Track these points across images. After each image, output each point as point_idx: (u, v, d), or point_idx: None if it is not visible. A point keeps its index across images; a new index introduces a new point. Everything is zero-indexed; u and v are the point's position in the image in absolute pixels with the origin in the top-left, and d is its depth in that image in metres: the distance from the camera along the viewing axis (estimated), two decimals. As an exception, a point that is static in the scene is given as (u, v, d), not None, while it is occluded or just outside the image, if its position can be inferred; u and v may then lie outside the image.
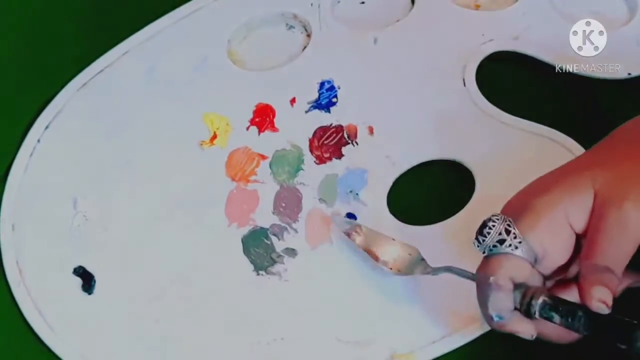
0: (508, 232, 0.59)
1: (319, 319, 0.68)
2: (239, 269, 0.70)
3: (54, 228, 0.72)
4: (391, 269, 0.66)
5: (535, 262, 0.59)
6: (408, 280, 0.67)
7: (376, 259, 0.67)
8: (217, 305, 0.69)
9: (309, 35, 0.78)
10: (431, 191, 0.72)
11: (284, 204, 0.72)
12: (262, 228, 0.71)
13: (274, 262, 0.70)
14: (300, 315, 0.68)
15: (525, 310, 0.59)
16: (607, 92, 0.74)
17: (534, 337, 0.60)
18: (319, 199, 0.72)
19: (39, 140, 0.75)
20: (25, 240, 0.72)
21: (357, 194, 0.71)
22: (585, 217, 0.59)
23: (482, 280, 0.60)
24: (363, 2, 0.79)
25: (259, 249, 0.70)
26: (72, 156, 0.74)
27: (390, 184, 0.72)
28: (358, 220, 0.70)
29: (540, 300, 0.58)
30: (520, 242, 0.58)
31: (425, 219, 0.70)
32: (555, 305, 0.58)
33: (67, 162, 0.74)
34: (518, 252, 0.58)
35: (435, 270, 0.65)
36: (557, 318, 0.58)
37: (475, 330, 0.65)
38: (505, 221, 0.59)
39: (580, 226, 0.59)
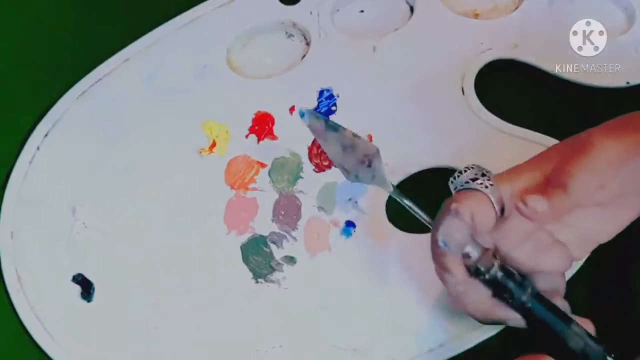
0: (483, 175, 0.61)
1: (318, 326, 0.68)
2: (238, 276, 0.70)
3: (53, 235, 0.72)
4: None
5: (501, 214, 0.60)
6: (407, 289, 0.68)
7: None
8: (216, 313, 0.69)
9: (308, 44, 0.78)
10: (430, 199, 0.72)
11: (283, 212, 0.72)
12: (261, 236, 0.71)
13: (273, 270, 0.70)
14: (299, 323, 0.68)
15: (477, 269, 0.60)
16: (606, 101, 0.74)
17: (458, 290, 0.60)
18: (318, 207, 0.72)
19: (38, 148, 0.75)
20: (24, 247, 0.72)
21: (356, 202, 0.71)
22: None
23: (444, 207, 0.61)
24: (362, 11, 0.79)
25: (258, 257, 0.70)
26: (71, 164, 0.75)
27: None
28: (358, 228, 0.70)
29: (497, 263, 0.60)
30: (492, 185, 0.60)
31: (424, 226, 0.70)
32: (511, 273, 0.60)
33: (66, 169, 0.74)
34: (487, 192, 0.60)
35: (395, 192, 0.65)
36: (510, 283, 0.60)
37: (472, 338, 0.66)
38: (483, 169, 0.61)
39: None
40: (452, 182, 0.62)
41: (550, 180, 0.61)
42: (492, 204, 0.60)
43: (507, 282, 0.60)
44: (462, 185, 0.61)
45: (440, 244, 0.59)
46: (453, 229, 0.59)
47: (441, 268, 0.61)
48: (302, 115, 0.63)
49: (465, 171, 0.62)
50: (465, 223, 0.59)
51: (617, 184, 0.60)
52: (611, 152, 0.60)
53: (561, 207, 0.60)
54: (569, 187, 0.59)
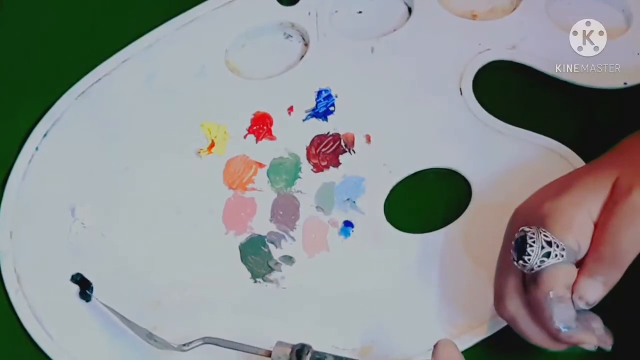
0: (549, 243, 0.58)
1: (317, 326, 0.68)
2: (236, 276, 0.70)
3: (52, 235, 0.72)
4: None
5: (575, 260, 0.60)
6: (405, 289, 0.68)
7: None
8: (215, 313, 0.69)
9: (306, 44, 0.78)
10: (428, 199, 0.72)
11: (281, 212, 0.72)
12: (259, 236, 0.71)
13: (271, 269, 0.70)
14: (297, 322, 0.68)
15: None
16: (603, 101, 0.74)
17: (596, 347, 0.60)
18: (316, 207, 0.72)
19: (37, 148, 0.75)
20: (23, 247, 0.72)
21: (354, 202, 0.72)
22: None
23: (540, 298, 0.59)
24: (360, 12, 0.80)
25: (257, 257, 0.70)
26: (70, 164, 0.75)
27: (388, 192, 0.72)
28: (356, 228, 0.71)
29: None
30: (563, 250, 0.58)
31: (422, 227, 0.70)
32: None
33: (65, 169, 0.74)
34: (566, 260, 0.58)
35: None
36: None
37: (470, 338, 0.66)
38: (541, 233, 0.58)
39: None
40: (524, 266, 0.59)
41: (601, 239, 0.59)
42: (572, 263, 0.59)
43: None
44: (538, 266, 0.58)
45: (564, 330, 0.59)
46: (565, 313, 0.59)
47: (576, 344, 0.60)
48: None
49: (530, 246, 0.58)
50: (569, 299, 0.59)
51: None
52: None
53: (615, 280, 0.59)
54: (623, 264, 0.59)
